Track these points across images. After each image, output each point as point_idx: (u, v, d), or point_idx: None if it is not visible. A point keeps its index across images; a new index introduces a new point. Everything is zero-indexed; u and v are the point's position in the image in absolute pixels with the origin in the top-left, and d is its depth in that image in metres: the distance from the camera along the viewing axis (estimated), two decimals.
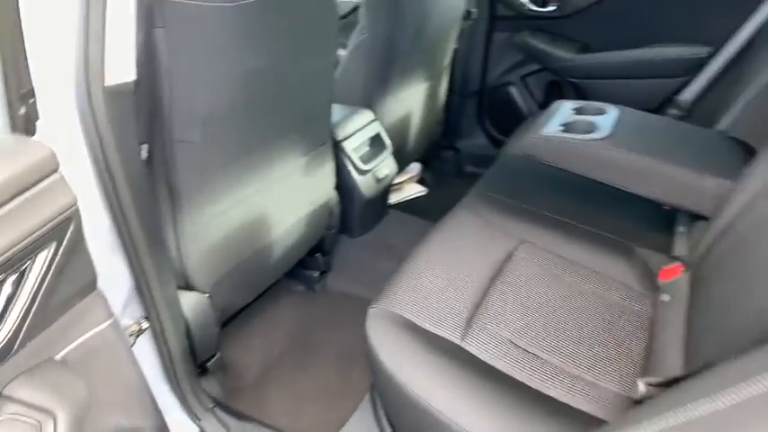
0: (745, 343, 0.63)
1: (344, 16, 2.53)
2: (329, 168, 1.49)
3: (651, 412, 0.55)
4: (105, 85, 0.70)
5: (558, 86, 2.19)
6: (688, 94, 1.84)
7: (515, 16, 2.13)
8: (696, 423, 0.46)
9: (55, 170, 0.57)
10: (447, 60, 2.09)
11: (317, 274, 1.73)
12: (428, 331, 0.98)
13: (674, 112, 1.87)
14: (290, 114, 1.21)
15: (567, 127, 1.29)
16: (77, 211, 0.60)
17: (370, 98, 1.74)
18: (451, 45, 2.06)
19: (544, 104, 2.24)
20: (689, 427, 0.48)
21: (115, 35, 0.69)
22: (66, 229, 0.56)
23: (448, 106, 2.30)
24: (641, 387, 0.82)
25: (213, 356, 1.28)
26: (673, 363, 0.88)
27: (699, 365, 0.67)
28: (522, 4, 2.08)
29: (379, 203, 1.91)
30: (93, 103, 0.69)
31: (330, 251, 1.74)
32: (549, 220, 1.31)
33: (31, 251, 0.52)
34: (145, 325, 0.96)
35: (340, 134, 1.60)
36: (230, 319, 1.45)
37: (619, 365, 0.95)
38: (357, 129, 1.66)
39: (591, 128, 1.28)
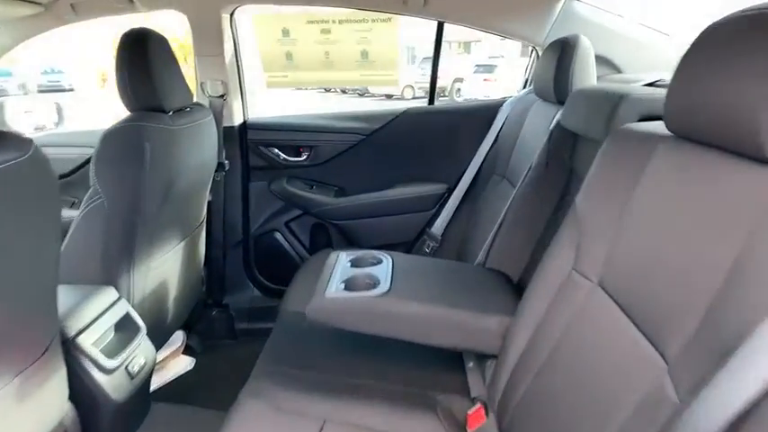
0: None
1: (75, 170, 2.19)
2: (62, 374, 1.12)
3: None
4: None
5: (323, 228, 2.20)
6: (437, 226, 2.02)
7: (269, 166, 2.11)
8: None
9: None
10: (203, 215, 1.91)
11: None
12: None
13: (429, 243, 2.02)
14: None
15: (348, 283, 1.22)
16: None
17: (111, 274, 1.43)
18: (206, 198, 1.90)
19: (312, 247, 2.22)
20: None
21: None
22: None
23: (209, 262, 2.08)
24: None
25: None
26: None
27: None
28: (278, 155, 2.08)
29: (137, 402, 1.51)
30: None
31: None
32: (348, 388, 1.17)
33: None
34: None
35: (72, 328, 1.23)
36: None
37: None
38: (97, 315, 1.31)
39: (371, 280, 1.24)
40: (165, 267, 1.68)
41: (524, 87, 2.08)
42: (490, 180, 1.85)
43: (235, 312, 2.19)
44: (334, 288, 1.19)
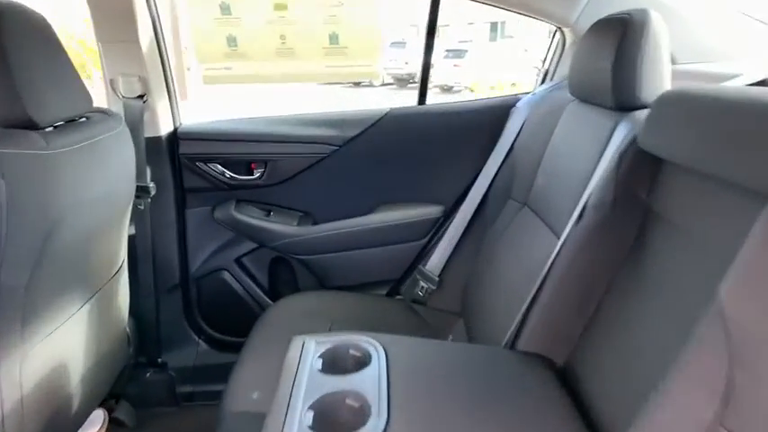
0: None
1: None
2: None
3: None
4: None
5: (286, 264, 1.72)
6: (433, 263, 1.58)
7: (211, 187, 1.62)
8: None
9: None
10: (121, 256, 1.41)
11: None
12: None
13: (423, 285, 1.58)
14: None
15: (318, 416, 0.76)
16: None
17: None
18: (124, 234, 1.41)
19: (272, 288, 1.75)
20: None
21: None
22: None
23: (138, 312, 1.59)
24: None
25: None
26: None
27: None
28: (222, 172, 1.59)
29: None
30: None
31: None
32: None
33: None
34: None
35: None
36: None
37: None
38: None
39: (356, 402, 0.78)
40: (63, 340, 1.18)
41: (543, 82, 1.64)
42: (505, 206, 1.40)
43: (175, 372, 1.71)
44: (295, 426, 0.72)
